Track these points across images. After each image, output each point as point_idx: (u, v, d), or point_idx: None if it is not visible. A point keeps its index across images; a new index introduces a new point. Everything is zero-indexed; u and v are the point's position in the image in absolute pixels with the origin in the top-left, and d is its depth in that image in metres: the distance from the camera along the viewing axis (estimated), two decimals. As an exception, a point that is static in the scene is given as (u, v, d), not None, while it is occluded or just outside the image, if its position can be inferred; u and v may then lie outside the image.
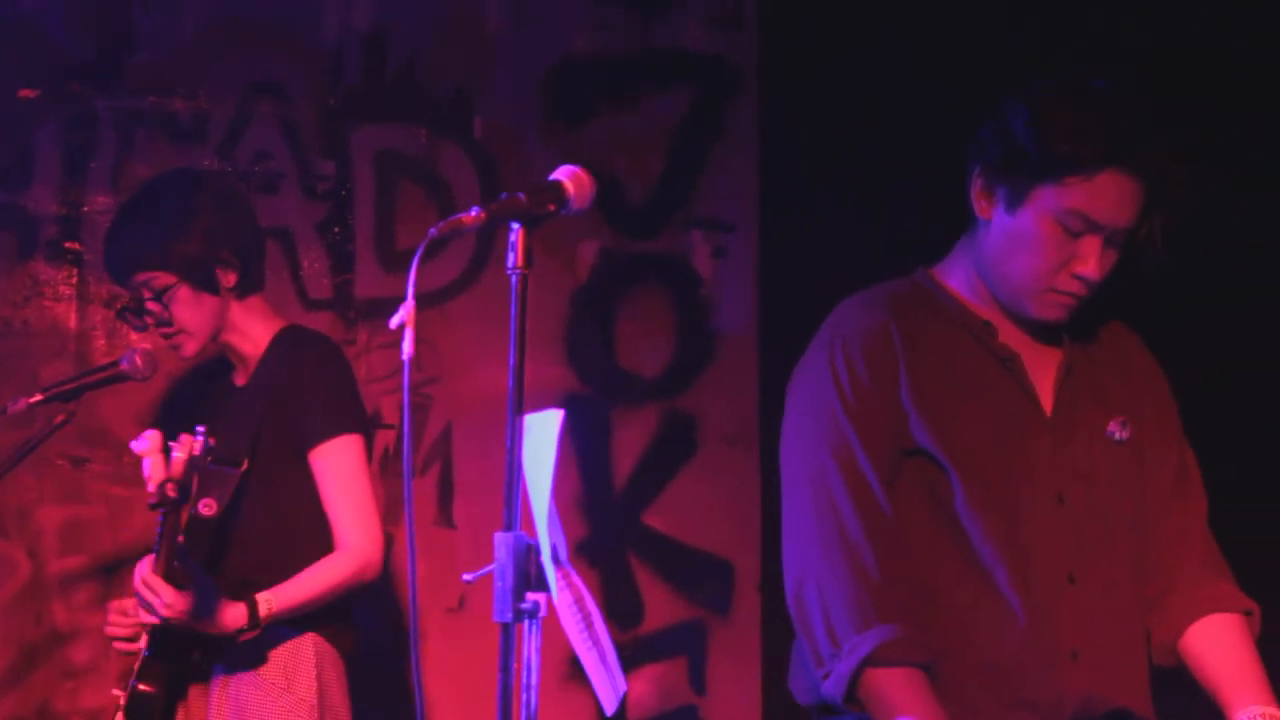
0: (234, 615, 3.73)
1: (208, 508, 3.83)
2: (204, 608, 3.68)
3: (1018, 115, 3.04)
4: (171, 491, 3.54)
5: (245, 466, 3.87)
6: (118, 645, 3.93)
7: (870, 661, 2.94)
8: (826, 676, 2.98)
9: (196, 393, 4.32)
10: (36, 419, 4.06)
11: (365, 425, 4.02)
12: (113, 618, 3.92)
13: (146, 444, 3.63)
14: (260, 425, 3.92)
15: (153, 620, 3.70)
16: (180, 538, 3.67)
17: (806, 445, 3.11)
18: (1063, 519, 3.11)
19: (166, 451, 3.61)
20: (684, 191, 5.12)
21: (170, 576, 3.64)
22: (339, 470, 3.90)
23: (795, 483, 3.13)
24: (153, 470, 3.59)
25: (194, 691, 3.93)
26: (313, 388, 3.93)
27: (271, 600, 3.77)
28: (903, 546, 3.05)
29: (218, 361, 4.16)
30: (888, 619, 2.96)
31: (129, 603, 3.91)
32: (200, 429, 3.59)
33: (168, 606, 3.64)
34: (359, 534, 3.88)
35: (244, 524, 3.92)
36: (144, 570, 3.66)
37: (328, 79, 4.99)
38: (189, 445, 3.56)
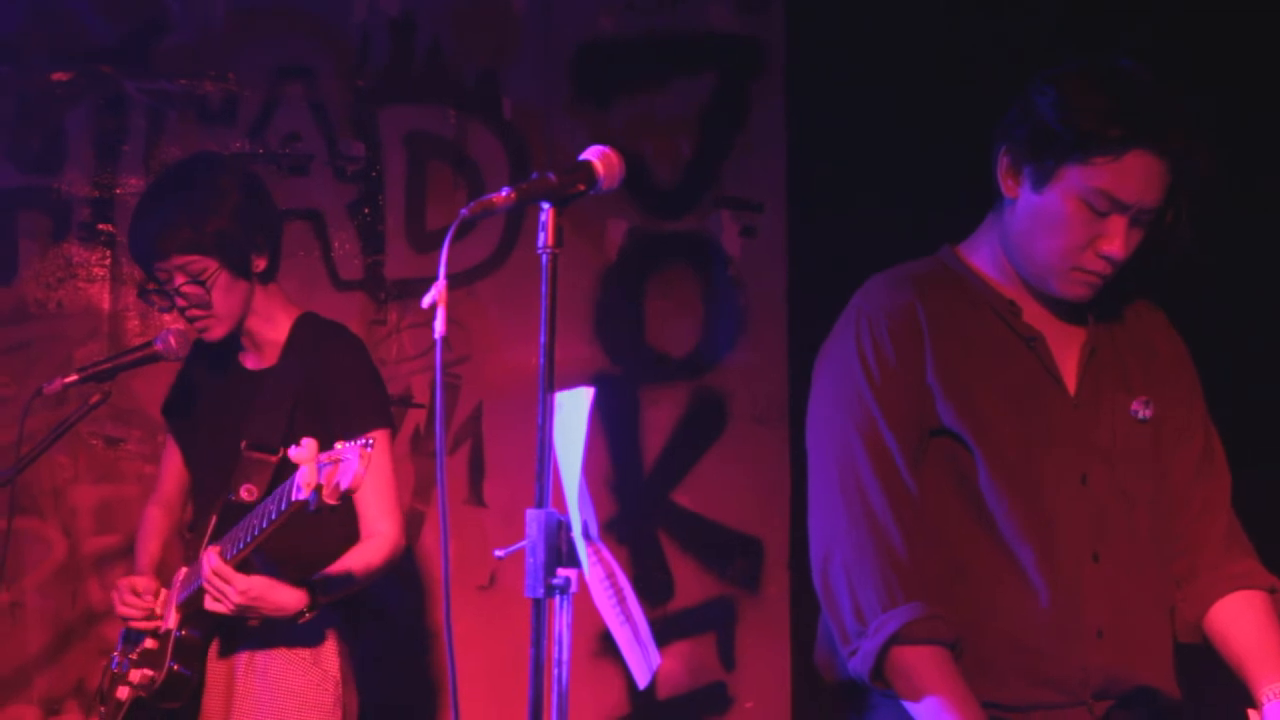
0: (296, 599, 3.79)
1: (249, 493, 3.87)
2: (272, 595, 3.75)
3: (1045, 96, 3.04)
4: (333, 499, 3.45)
5: (281, 454, 3.90)
6: (132, 624, 3.98)
7: (897, 640, 2.96)
8: (854, 654, 3.00)
9: (204, 372, 4.33)
10: (71, 399, 4.09)
11: (390, 419, 4.06)
12: (126, 597, 3.97)
13: (306, 452, 3.52)
14: (293, 413, 3.95)
15: (220, 608, 3.74)
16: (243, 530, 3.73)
17: (833, 423, 3.13)
18: (1086, 498, 3.12)
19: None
20: (712, 171, 5.13)
21: (243, 567, 3.72)
22: (372, 463, 3.92)
23: (821, 460, 3.15)
24: (308, 476, 3.48)
25: (217, 668, 3.96)
26: (341, 382, 3.97)
27: (327, 584, 3.83)
28: (928, 524, 3.07)
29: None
30: (914, 597, 2.98)
31: (139, 581, 3.98)
32: (365, 439, 3.48)
33: (242, 594, 3.71)
34: (388, 524, 3.95)
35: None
36: (214, 561, 3.71)
37: (356, 61, 5.02)
38: (366, 457, 3.45)
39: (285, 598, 3.77)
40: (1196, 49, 4.62)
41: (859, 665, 2.99)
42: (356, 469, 3.46)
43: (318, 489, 3.50)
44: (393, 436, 4.05)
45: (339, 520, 3.94)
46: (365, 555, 3.92)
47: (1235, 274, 4.56)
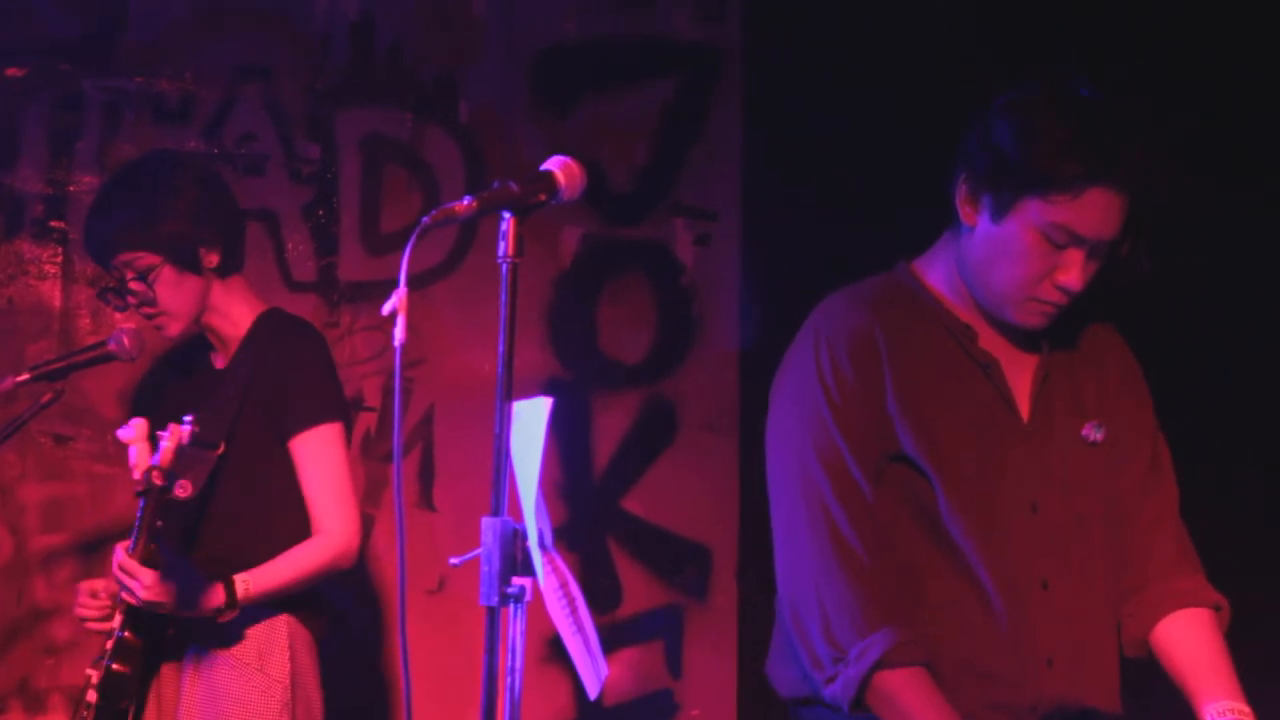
0: (212, 597, 3.76)
1: (183, 489, 3.83)
2: (182, 590, 3.72)
3: (1003, 127, 3.05)
4: (158, 479, 3.56)
5: (222, 450, 3.86)
6: (89, 625, 3.95)
7: (880, 665, 2.98)
8: (831, 680, 3.02)
9: (178, 373, 4.33)
10: (21, 397, 4.07)
11: (346, 413, 4.04)
12: (82, 599, 3.94)
13: (133, 432, 3.65)
14: (240, 409, 3.93)
15: (131, 599, 3.72)
16: (159, 523, 3.70)
17: (794, 447, 3.13)
18: (1036, 526, 3.15)
19: (153, 439, 3.63)
20: (668, 179, 5.14)
21: (148, 560, 3.68)
22: (319, 458, 3.93)
23: (784, 485, 3.16)
24: (139, 457, 3.62)
25: (166, 670, 3.94)
26: (295, 375, 3.95)
27: (249, 582, 3.80)
28: (889, 549, 3.08)
29: (198, 340, 4.16)
30: (886, 621, 3.00)
31: (99, 584, 3.94)
32: (188, 418, 3.60)
33: (146, 589, 3.67)
34: (337, 521, 3.91)
35: (220, 506, 3.94)
36: (120, 555, 3.70)
37: (315, 62, 5.00)
38: (177, 434, 3.57)
39: (200, 596, 3.74)
40: (1196, 49, 4.65)
41: (839, 692, 3.01)
42: (164, 445, 3.52)
43: (148, 471, 3.55)
44: (347, 431, 4.02)
45: (285, 520, 3.93)
46: (304, 555, 3.88)
47: (1236, 275, 4.60)
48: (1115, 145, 3.01)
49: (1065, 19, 4.77)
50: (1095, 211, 3.02)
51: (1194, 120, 4.28)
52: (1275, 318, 4.74)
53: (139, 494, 3.60)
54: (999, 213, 3.07)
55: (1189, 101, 4.44)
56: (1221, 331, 4.54)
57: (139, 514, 3.65)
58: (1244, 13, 4.71)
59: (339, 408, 4.00)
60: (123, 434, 3.66)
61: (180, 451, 3.56)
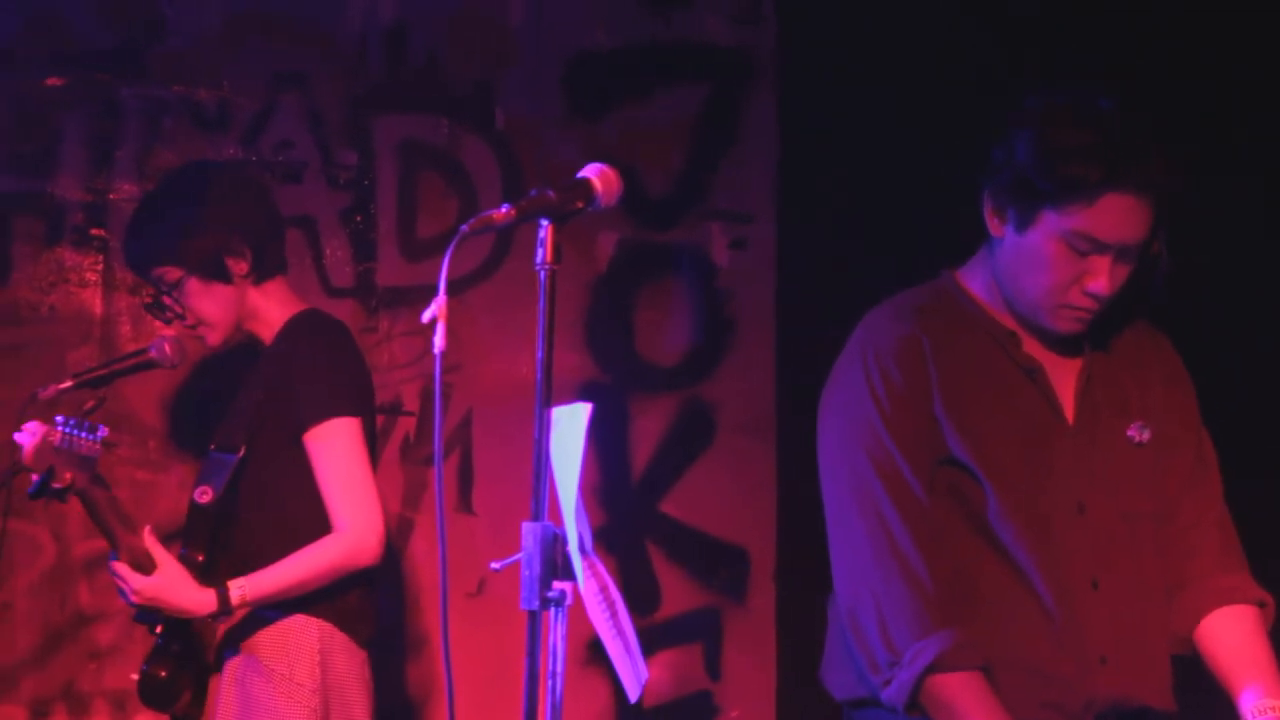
0: (202, 601, 3.78)
1: (203, 495, 3.87)
2: (170, 593, 3.76)
3: (1021, 140, 3.09)
4: (34, 477, 3.68)
5: (242, 453, 3.90)
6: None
7: (933, 669, 3.01)
8: (887, 684, 3.05)
9: (219, 378, 4.36)
10: (64, 404, 4.09)
11: (362, 408, 3.97)
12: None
13: (27, 436, 3.75)
14: (258, 411, 3.94)
15: (126, 603, 3.81)
16: (147, 528, 3.79)
17: (848, 456, 3.16)
18: (1084, 527, 3.17)
19: None
20: (703, 183, 5.15)
21: (136, 563, 3.73)
22: (333, 453, 3.88)
23: (839, 493, 3.19)
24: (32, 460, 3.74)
25: (215, 678, 3.96)
26: (308, 370, 3.92)
27: (245, 586, 3.79)
28: (943, 552, 3.11)
29: (248, 348, 4.19)
30: (945, 625, 3.03)
31: None
32: (59, 418, 3.68)
33: (136, 593, 3.74)
34: (352, 517, 3.85)
35: (242, 509, 3.94)
36: (111, 559, 3.78)
37: (351, 70, 5.03)
38: (38, 433, 3.68)
39: (187, 599, 3.77)
40: (1196, 49, 4.64)
41: (894, 695, 3.04)
42: (24, 442, 3.66)
43: (47, 471, 3.65)
44: (364, 427, 3.96)
45: (308, 520, 3.90)
46: (313, 554, 3.85)
47: (1235, 275, 4.60)
48: (1127, 150, 3.04)
49: (1065, 19, 4.77)
50: (1113, 216, 3.05)
51: (1194, 121, 4.27)
52: (1276, 317, 4.74)
53: (29, 494, 3.73)
54: (1023, 224, 3.11)
55: (1189, 101, 4.44)
56: (1221, 331, 4.54)
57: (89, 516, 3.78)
58: (1244, 13, 4.70)
59: (352, 402, 3.94)
60: (19, 438, 3.76)
61: (41, 449, 3.65)
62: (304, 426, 3.90)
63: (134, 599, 3.76)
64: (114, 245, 4.87)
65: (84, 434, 3.66)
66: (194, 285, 3.97)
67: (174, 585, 3.76)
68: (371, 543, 3.86)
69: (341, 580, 3.88)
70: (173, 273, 3.97)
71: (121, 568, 3.74)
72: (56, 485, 3.75)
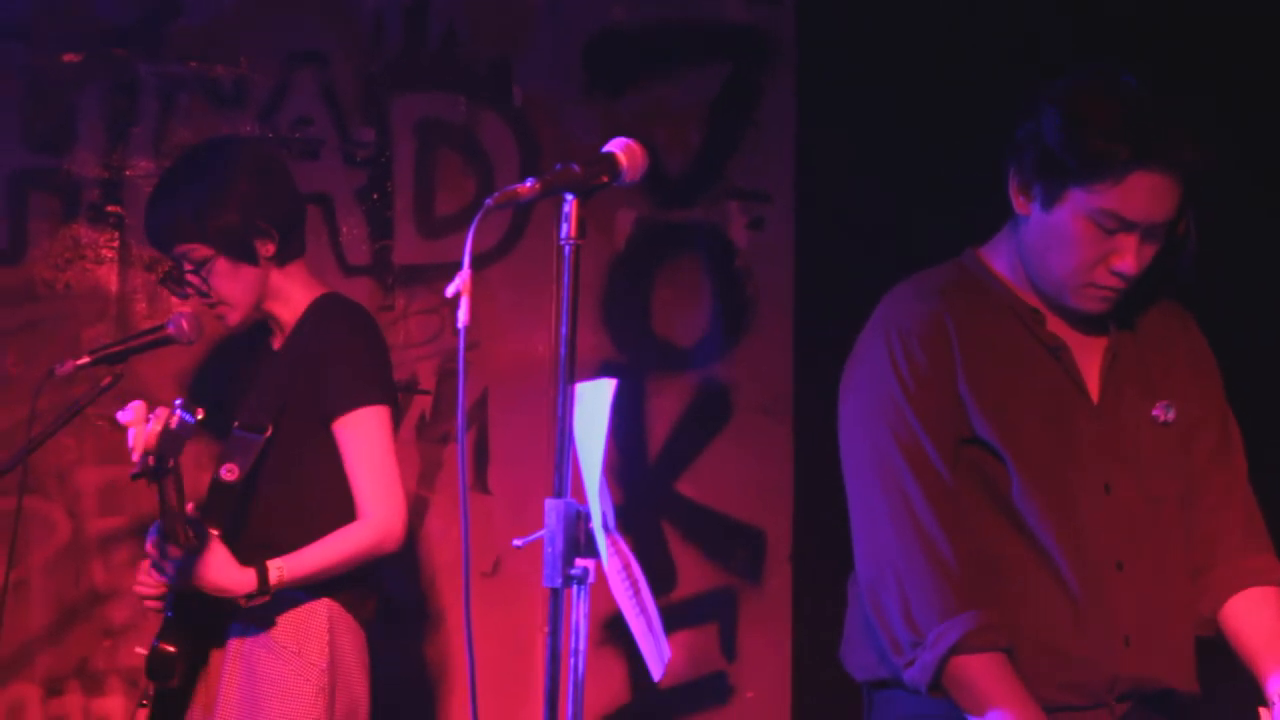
0: (243, 580, 3.77)
1: (230, 473, 3.87)
2: (212, 573, 3.75)
3: (1049, 118, 3.07)
4: (151, 461, 3.56)
5: (269, 433, 3.90)
6: (148, 604, 3.98)
7: (956, 650, 2.99)
8: (910, 665, 3.04)
9: (235, 356, 4.35)
10: (80, 380, 4.09)
11: (392, 396, 4.01)
12: (142, 576, 3.96)
13: (130, 414, 3.67)
14: (287, 392, 3.94)
15: (163, 580, 3.79)
16: (189, 505, 3.76)
17: (871, 435, 3.15)
18: (1110, 507, 3.15)
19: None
20: (721, 162, 5.13)
21: (178, 542, 3.71)
22: (363, 441, 3.91)
23: (862, 472, 3.17)
24: (135, 440, 3.62)
25: (214, 654, 3.97)
26: (340, 357, 3.94)
27: (283, 568, 3.80)
28: (967, 532, 3.09)
29: (258, 325, 4.19)
30: (968, 606, 3.01)
31: None
32: (178, 401, 3.60)
33: (177, 572, 3.73)
34: (381, 505, 3.88)
35: (265, 489, 3.94)
36: (153, 536, 3.76)
37: (369, 47, 5.00)
38: (164, 417, 3.58)
39: (226, 578, 3.76)
40: (1196, 49, 4.63)
41: (917, 676, 3.03)
42: (150, 428, 3.53)
43: (146, 453, 3.55)
44: (394, 415, 4.00)
45: (330, 503, 3.92)
46: (344, 539, 3.87)
47: (1236, 275, 4.58)
48: (1156, 128, 3.02)
49: (1063, 19, 4.76)
50: (1140, 195, 3.03)
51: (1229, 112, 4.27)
52: (1276, 317, 4.72)
53: (134, 476, 3.60)
54: (1049, 202, 3.09)
55: (1188, 101, 4.42)
56: (1223, 331, 4.53)
57: (159, 498, 3.67)
58: (1244, 13, 4.68)
59: (384, 390, 3.97)
60: (122, 416, 3.68)
61: (165, 434, 3.54)
62: (334, 414, 3.92)
63: (174, 576, 3.74)
64: (130, 222, 4.85)
65: (190, 418, 3.63)
66: (222, 265, 3.95)
67: (219, 564, 3.75)
68: (398, 530, 3.90)
69: None
70: (200, 251, 3.95)
71: (162, 545, 3.73)
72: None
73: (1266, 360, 4.63)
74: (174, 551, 3.71)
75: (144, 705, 3.90)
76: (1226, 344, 3.40)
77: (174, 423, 3.54)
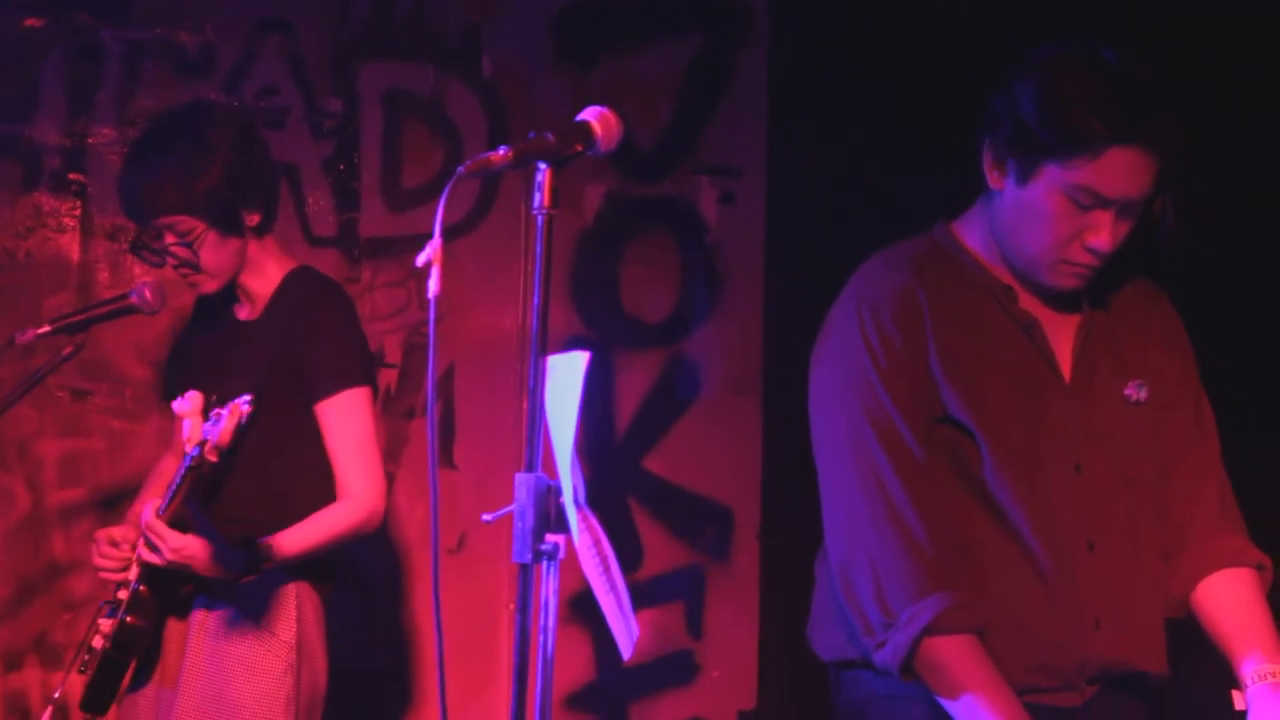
0: (235, 560, 3.76)
1: (211, 452, 3.83)
2: (207, 553, 3.73)
3: (1025, 91, 3.02)
4: (213, 456, 3.57)
5: (250, 411, 3.86)
6: (104, 575, 3.94)
7: (929, 631, 2.96)
8: (881, 646, 2.99)
9: (204, 326, 4.30)
10: (40, 350, 4.04)
11: (373, 377, 4.02)
12: (102, 548, 3.92)
13: (188, 405, 3.65)
14: (268, 369, 3.91)
15: (155, 559, 3.73)
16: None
17: (843, 412, 3.10)
18: (1081, 487, 3.12)
19: (205, 413, 3.66)
20: (692, 136, 5.11)
21: (176, 522, 3.70)
22: (346, 423, 3.91)
23: (833, 450, 3.12)
24: (192, 431, 3.62)
25: (172, 627, 3.93)
26: (324, 338, 3.93)
27: (273, 546, 3.79)
28: (940, 511, 3.06)
29: (223, 293, 4.12)
30: (941, 586, 2.98)
31: (118, 532, 3.94)
32: (246, 397, 3.60)
33: (173, 551, 3.70)
34: (364, 486, 3.89)
35: (243, 466, 3.90)
36: (149, 515, 3.72)
37: (336, 15, 4.96)
38: (237, 413, 3.56)
39: (223, 559, 3.74)
40: (1196, 49, 4.60)
41: (888, 657, 2.99)
42: (224, 424, 3.53)
43: (201, 444, 3.56)
44: (375, 397, 4.00)
45: (308, 481, 3.91)
46: (328, 520, 3.87)
47: (1235, 275, 4.57)
48: (1133, 105, 2.98)
49: (1064, 19, 4.74)
50: (1117, 171, 2.99)
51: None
52: (1276, 316, 4.71)
53: (191, 468, 3.61)
54: (1023, 177, 3.05)
55: (1189, 102, 4.40)
56: (1221, 331, 4.52)
57: (178, 481, 3.66)
58: (1244, 13, 4.67)
59: (366, 372, 3.98)
60: (179, 407, 3.66)
61: (239, 430, 3.56)
62: (318, 396, 3.92)
63: (171, 556, 3.70)
64: (92, 191, 4.81)
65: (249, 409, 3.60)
66: (212, 238, 3.89)
67: (209, 545, 3.74)
68: (380, 511, 3.92)
69: None
70: (188, 223, 3.88)
71: (159, 524, 3.70)
72: (211, 459, 3.70)
73: (1266, 360, 4.63)
74: (171, 534, 3.69)
75: (83, 672, 3.85)
76: (1226, 344, 3.38)
77: (245, 416, 3.53)
